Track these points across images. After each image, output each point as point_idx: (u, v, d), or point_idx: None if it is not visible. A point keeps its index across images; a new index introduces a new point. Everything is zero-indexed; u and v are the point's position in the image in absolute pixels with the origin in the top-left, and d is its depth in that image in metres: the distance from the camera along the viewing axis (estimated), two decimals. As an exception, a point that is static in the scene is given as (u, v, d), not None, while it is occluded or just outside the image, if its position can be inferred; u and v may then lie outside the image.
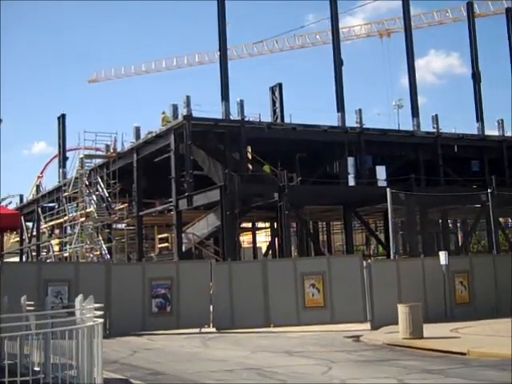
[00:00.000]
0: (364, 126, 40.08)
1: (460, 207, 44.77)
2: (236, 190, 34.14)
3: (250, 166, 38.33)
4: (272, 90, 46.92)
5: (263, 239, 57.32)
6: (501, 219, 46.39)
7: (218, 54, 40.46)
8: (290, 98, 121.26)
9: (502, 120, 45.45)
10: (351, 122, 40.19)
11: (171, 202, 37.35)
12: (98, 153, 45.29)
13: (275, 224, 40.64)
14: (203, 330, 24.96)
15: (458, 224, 60.85)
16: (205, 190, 35.72)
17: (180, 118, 36.68)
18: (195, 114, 36.02)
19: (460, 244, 55.11)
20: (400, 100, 46.91)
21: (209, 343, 21.89)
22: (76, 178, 42.78)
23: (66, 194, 44.05)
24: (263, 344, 21.28)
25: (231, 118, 37.58)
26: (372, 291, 25.22)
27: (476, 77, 46.53)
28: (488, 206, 36.56)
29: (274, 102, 46.59)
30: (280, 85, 46.84)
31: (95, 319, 10.82)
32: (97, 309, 11.23)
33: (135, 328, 24.54)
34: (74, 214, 43.16)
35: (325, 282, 26.35)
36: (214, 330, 25.09)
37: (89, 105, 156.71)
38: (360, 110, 40.36)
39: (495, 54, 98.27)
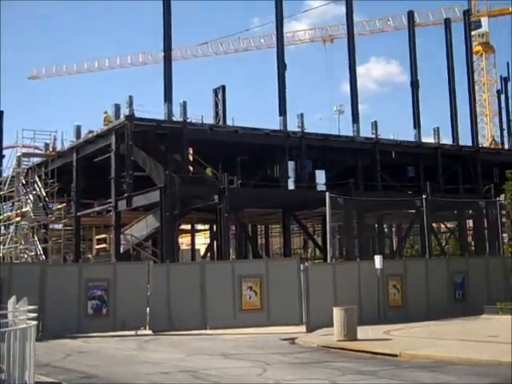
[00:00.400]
0: (305, 131, 40.49)
1: (396, 212, 45.88)
2: (176, 192, 34.04)
3: (191, 168, 38.25)
4: (215, 92, 46.91)
5: (202, 241, 57.25)
6: (434, 224, 47.64)
7: (163, 54, 40.22)
8: (234, 101, 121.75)
9: (438, 128, 46.70)
10: (293, 126, 40.62)
11: (110, 202, 36.96)
12: (37, 151, 44.36)
13: (214, 226, 40.68)
14: (140, 332, 24.84)
15: (394, 229, 62.21)
16: (145, 191, 35.47)
17: (122, 118, 36.32)
18: (138, 115, 35.70)
19: (395, 248, 56.36)
20: (341, 106, 47.76)
21: (145, 345, 21.81)
22: (12, 177, 41.76)
23: (1, 192, 42.95)
24: (199, 346, 21.35)
25: (174, 119, 37.42)
26: (308, 294, 25.61)
27: (414, 85, 47.61)
28: (422, 211, 37.56)
29: (216, 104, 46.58)
30: (223, 87, 46.90)
31: (28, 321, 10.71)
32: (30, 311, 11.11)
33: (70, 330, 24.25)
34: (9, 213, 42.13)
35: (262, 284, 26.61)
36: (150, 332, 25.00)
37: (28, 102, 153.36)
38: (302, 115, 40.78)
39: (434, 62, 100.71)
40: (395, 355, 18.00)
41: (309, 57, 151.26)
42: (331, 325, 21.89)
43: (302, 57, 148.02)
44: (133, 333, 24.47)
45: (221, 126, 41.28)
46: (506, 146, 54.12)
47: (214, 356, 18.88)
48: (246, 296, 26.48)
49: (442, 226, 58.08)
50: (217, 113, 46.29)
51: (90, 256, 40.64)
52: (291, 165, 40.87)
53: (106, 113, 39.08)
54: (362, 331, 21.87)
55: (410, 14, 50.26)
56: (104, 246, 40.06)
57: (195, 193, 36.34)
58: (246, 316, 26.02)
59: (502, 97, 60.53)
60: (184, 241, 59.14)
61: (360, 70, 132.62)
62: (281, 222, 44.31)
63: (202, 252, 50.30)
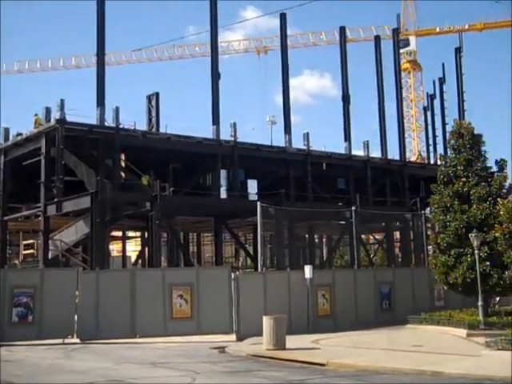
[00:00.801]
0: (238, 140, 40.72)
1: (326, 223, 46.63)
2: (107, 198, 33.64)
3: (123, 174, 37.85)
4: (149, 98, 46.55)
5: (133, 248, 56.63)
6: (363, 236, 48.68)
7: (96, 58, 39.69)
8: (167, 108, 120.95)
9: (368, 141, 47.84)
10: (226, 135, 40.78)
11: (39, 207, 36.13)
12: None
13: (146, 233, 40.35)
14: (67, 340, 24.35)
15: (324, 239, 63.11)
16: (75, 197, 34.87)
17: (53, 121, 35.63)
18: (69, 119, 35.11)
19: (325, 258, 57.24)
20: (273, 116, 48.13)
21: (72, 354, 21.43)
22: None
23: None
24: (128, 355, 21.15)
25: (106, 124, 36.97)
26: (239, 303, 25.77)
27: (345, 98, 48.61)
28: (351, 222, 38.38)
29: (150, 111, 46.23)
30: (157, 94, 46.58)
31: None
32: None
33: (-7, 338, 23.50)
34: None
35: (193, 292, 26.59)
36: (78, 340, 24.53)
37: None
38: (235, 124, 40.99)
39: (364, 78, 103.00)
40: (323, 364, 18.37)
41: (243, 67, 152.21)
42: (261, 334, 22.11)
43: (237, 67, 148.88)
44: (60, 341, 23.97)
45: (153, 132, 41.01)
46: (432, 161, 55.82)
47: (142, 365, 18.76)
48: (176, 304, 26.38)
49: (371, 237, 59.36)
50: (150, 119, 45.95)
51: (16, 262, 39.55)
52: (223, 173, 41.02)
53: (36, 115, 38.22)
54: (291, 340, 22.19)
55: (342, 30, 51.29)
56: (32, 251, 39.06)
57: (127, 199, 35.99)
58: (177, 324, 25.93)
59: (429, 113, 62.36)
60: (115, 248, 58.32)
61: (294, 82, 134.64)
62: (213, 231, 44.31)
63: (133, 259, 49.80)
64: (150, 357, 20.37)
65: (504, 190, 27.29)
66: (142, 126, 41.20)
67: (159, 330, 25.56)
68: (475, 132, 28.37)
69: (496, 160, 28.43)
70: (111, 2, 39.24)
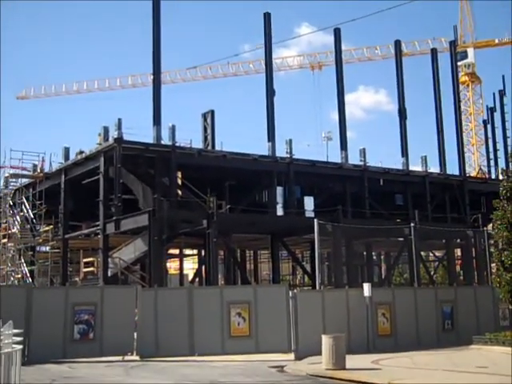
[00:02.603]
0: (294, 157, 40.64)
1: (384, 240, 45.91)
2: (164, 216, 33.95)
3: (180, 192, 38.21)
4: (204, 116, 47.07)
5: (190, 266, 56.97)
6: (422, 253, 47.75)
7: (152, 77, 40.34)
8: (223, 126, 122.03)
9: (426, 156, 47.12)
10: (281, 151, 40.78)
11: (98, 225, 36.75)
12: (24, 172, 44.06)
13: (203, 251, 40.52)
14: (126, 357, 24.48)
15: (382, 256, 62.22)
16: (133, 215, 35.34)
17: (111, 140, 36.30)
18: (126, 137, 35.75)
19: (383, 276, 56.33)
20: (329, 132, 48.03)
21: (131, 372, 21.49)
22: (-1, 198, 41.49)
23: (-13, 213, 42.57)
24: (187, 373, 21.09)
25: (162, 142, 37.45)
26: (297, 321, 25.44)
27: (402, 113, 48.03)
28: (410, 239, 37.63)
29: (205, 129, 46.71)
30: (212, 111, 47.09)
31: (14, 345, 10.52)
32: (16, 334, 10.92)
33: (56, 355, 23.79)
34: (-4, 235, 41.72)
35: (251, 311, 26.36)
36: (137, 357, 24.63)
37: (16, 122, 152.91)
38: (290, 141, 40.97)
39: (421, 91, 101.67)
40: (384, 385, 17.88)
41: (298, 83, 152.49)
42: (320, 353, 21.71)
43: (292, 83, 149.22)
44: (119, 358, 24.11)
45: (209, 150, 41.35)
46: (493, 176, 54.53)
47: (202, 383, 18.65)
48: (234, 322, 26.21)
49: (431, 254, 58.19)
50: (205, 137, 46.39)
51: (77, 279, 40.26)
52: (279, 190, 40.99)
53: (100, 135, 39.03)
54: (351, 360, 21.72)
55: (397, 44, 50.83)
56: (92, 269, 39.71)
57: (183, 217, 36.23)
58: (235, 343, 25.76)
59: (489, 126, 61.16)
60: (172, 265, 58.79)
61: (349, 97, 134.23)
62: (269, 248, 44.19)
63: (191, 277, 50.05)
64: (209, 375, 20.26)
65: None
66: (198, 143, 41.72)
67: (217, 348, 25.44)
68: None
69: (561, 174, 27.44)
70: (166, 20, 39.76)
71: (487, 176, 57.55)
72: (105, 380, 19.63)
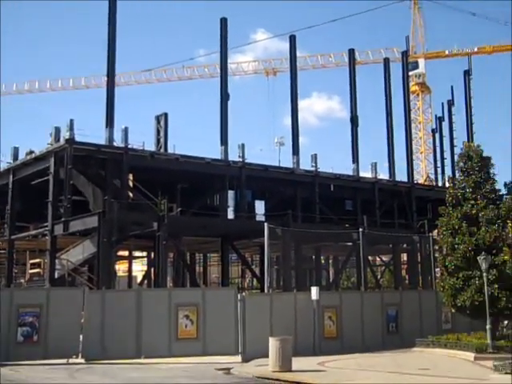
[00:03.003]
0: (246, 161, 40.80)
1: (333, 244, 46.47)
2: (115, 218, 33.69)
3: (131, 194, 37.95)
4: (157, 119, 46.78)
5: (140, 268, 56.60)
6: (370, 257, 48.48)
7: (106, 79, 40.00)
8: (176, 129, 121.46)
9: (376, 163, 47.84)
10: (234, 155, 40.90)
11: (46, 226, 36.20)
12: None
13: (152, 253, 40.32)
14: (71, 360, 24.18)
15: (330, 260, 62.89)
16: (83, 216, 34.96)
17: (62, 141, 35.83)
18: (78, 139, 35.32)
19: (331, 280, 56.96)
20: (282, 138, 48.29)
21: (76, 375, 21.25)
22: None
23: None
24: (133, 376, 21.01)
25: (115, 144, 37.16)
26: (245, 324, 25.60)
27: (354, 120, 48.68)
28: (359, 244, 38.23)
29: (158, 131, 46.43)
30: (166, 114, 46.82)
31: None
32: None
33: (-2, 357, 23.39)
34: None
35: (199, 313, 26.42)
36: (83, 360, 24.38)
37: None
38: (243, 145, 41.10)
39: (373, 100, 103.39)
40: (328, 386, 18.17)
41: (253, 88, 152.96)
42: (267, 355, 21.94)
43: (247, 88, 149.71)
44: (64, 361, 23.82)
45: (162, 153, 41.14)
46: (440, 183, 55.74)
47: (147, 386, 18.62)
48: (182, 324, 26.22)
49: (378, 259, 59.09)
50: (158, 140, 46.09)
51: (22, 281, 39.54)
52: (231, 194, 41.12)
53: (51, 135, 38.42)
54: (297, 362, 22.00)
55: (351, 52, 51.56)
56: (38, 270, 39.05)
57: (134, 219, 36.03)
58: (182, 345, 25.76)
59: (437, 135, 62.46)
60: (121, 267, 58.28)
61: (302, 104, 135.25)
62: (219, 251, 44.24)
63: (139, 279, 49.72)
64: (155, 378, 20.23)
65: (513, 213, 27.08)
66: (151, 146, 41.41)
67: (164, 350, 25.40)
68: (484, 154, 28.30)
69: (505, 182, 28.39)
70: (122, 22, 39.38)
71: (434, 183, 58.79)
72: (49, 383, 19.38)
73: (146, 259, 51.03)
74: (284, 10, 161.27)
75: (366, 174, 48.44)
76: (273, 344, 21.75)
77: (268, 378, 20.36)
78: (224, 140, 41.04)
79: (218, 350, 25.56)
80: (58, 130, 37.31)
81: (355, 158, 47.29)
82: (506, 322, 28.67)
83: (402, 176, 50.49)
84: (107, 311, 25.57)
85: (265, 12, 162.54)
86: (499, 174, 28.55)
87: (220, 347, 25.70)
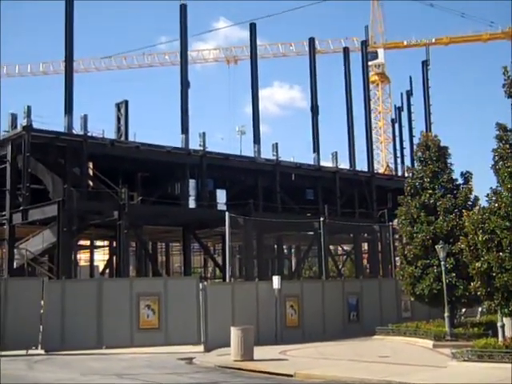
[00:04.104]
0: (207, 150, 40.62)
1: (295, 234, 46.72)
2: (74, 206, 33.25)
3: (91, 183, 37.49)
4: (118, 106, 46.17)
5: (101, 258, 56.04)
6: (331, 247, 48.88)
7: (64, 64, 39.30)
8: (137, 117, 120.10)
9: (336, 152, 48.06)
10: (195, 144, 40.67)
11: (4, 215, 35.52)
12: None
13: (114, 243, 39.95)
14: (31, 351, 23.88)
15: (293, 250, 63.22)
16: (42, 205, 34.39)
17: (19, 128, 35.14)
18: (36, 126, 34.67)
19: (293, 269, 57.30)
20: (243, 126, 48.19)
21: (35, 366, 21.01)
22: None
23: None
24: (94, 366, 20.85)
25: (74, 132, 36.59)
26: (207, 313, 25.64)
27: (314, 109, 48.80)
28: (320, 233, 38.50)
29: (119, 119, 45.85)
30: (126, 102, 46.21)
31: None
32: None
33: (-45, 349, 22.96)
34: None
35: (160, 303, 26.37)
36: (42, 351, 24.10)
37: None
38: (204, 134, 40.84)
39: (334, 89, 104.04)
40: (290, 375, 18.33)
41: (215, 77, 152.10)
42: (229, 344, 22.03)
43: (208, 76, 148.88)
44: (23, 352, 23.50)
45: (122, 141, 40.63)
46: (399, 173, 56.39)
47: (108, 376, 18.51)
48: (143, 314, 26.14)
49: (340, 248, 59.61)
50: (119, 128, 45.53)
51: (-21, 271, 38.83)
52: (192, 183, 40.90)
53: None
54: (259, 351, 22.12)
55: (311, 41, 51.58)
56: (-5, 260, 38.40)
57: (94, 208, 35.61)
58: (144, 335, 25.69)
59: (396, 125, 63.05)
60: (82, 257, 57.61)
61: (264, 93, 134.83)
62: (181, 240, 44.07)
63: (101, 269, 49.26)
64: (116, 368, 20.11)
65: (469, 202, 27.58)
66: (111, 134, 40.90)
67: (126, 340, 25.29)
68: (441, 144, 28.70)
69: (462, 172, 28.75)
70: (81, 7, 38.85)
71: (394, 173, 59.46)
72: (7, 374, 19.10)
73: (107, 248, 50.56)
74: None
75: (327, 163, 48.70)
76: (234, 333, 21.82)
77: (230, 368, 20.45)
78: (185, 128, 40.76)
79: (181, 339, 25.56)
80: (14, 117, 36.59)
81: (316, 148, 47.42)
82: (463, 310, 29.28)
83: (362, 165, 50.97)
84: (67, 301, 25.33)
85: (226, 0, 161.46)
86: (456, 164, 29.03)
87: (182, 337, 25.71)
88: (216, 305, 26.04)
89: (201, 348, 24.93)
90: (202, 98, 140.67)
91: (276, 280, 28.20)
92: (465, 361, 18.41)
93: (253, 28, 47.20)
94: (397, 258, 36.82)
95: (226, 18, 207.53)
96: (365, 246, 52.98)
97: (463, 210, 26.04)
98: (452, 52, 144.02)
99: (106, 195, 36.07)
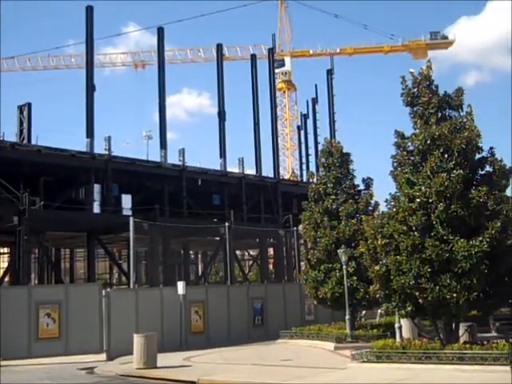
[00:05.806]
0: (113, 154, 39.95)
1: (201, 239, 46.61)
2: (-30, 212, 31.90)
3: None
4: (20, 109, 44.79)
5: (1, 265, 53.82)
6: (238, 252, 49.10)
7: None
8: (41, 120, 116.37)
9: (243, 158, 48.39)
10: (101, 148, 39.91)
11: None
12: None
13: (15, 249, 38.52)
14: None
15: (200, 255, 63.06)
16: None
17: None
18: None
19: (200, 274, 57.15)
20: (150, 131, 47.67)
21: None
22: None
23: None
24: (-13, 379, 19.97)
25: (-29, 134, 35.15)
26: (110, 321, 25.18)
27: (221, 115, 48.96)
28: (226, 238, 38.61)
29: (21, 122, 44.47)
30: (29, 104, 44.92)
31: None
32: None
33: None
34: None
35: (61, 311, 25.65)
36: None
37: None
38: (109, 138, 40.13)
39: (241, 95, 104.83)
40: (193, 382, 18.26)
41: (123, 81, 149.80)
42: (133, 352, 21.66)
43: (117, 81, 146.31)
44: None
45: (23, 144, 39.41)
46: (305, 179, 57.39)
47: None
48: (43, 323, 25.31)
49: (246, 253, 59.95)
50: (21, 131, 44.19)
51: None
52: (97, 188, 40.08)
53: None
54: (163, 358, 21.92)
55: (219, 47, 51.78)
56: None
57: (-8, 214, 34.26)
58: (43, 345, 24.87)
59: (302, 132, 64.26)
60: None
61: (173, 99, 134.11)
62: (85, 246, 43.05)
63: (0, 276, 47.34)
64: (10, 381, 19.33)
65: (370, 207, 28.42)
66: (12, 137, 39.53)
67: (23, 351, 24.41)
68: (344, 151, 29.43)
69: (363, 178, 29.57)
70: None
71: (299, 179, 60.47)
72: None
73: (8, 256, 48.67)
74: (154, 5, 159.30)
75: (234, 169, 48.96)
76: (137, 341, 21.51)
77: (132, 376, 20.15)
78: (90, 132, 39.95)
79: (82, 348, 24.98)
80: None
81: (223, 153, 47.58)
82: (363, 312, 30.11)
83: (268, 171, 51.54)
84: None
85: (135, 6, 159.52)
86: (359, 170, 29.85)
87: (84, 346, 25.12)
88: (119, 312, 25.61)
89: (103, 356, 24.44)
90: (110, 102, 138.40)
91: (180, 285, 28.06)
92: (364, 362, 18.89)
93: (160, 32, 46.90)
94: (302, 263, 37.45)
95: (136, 23, 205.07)
96: (271, 250, 53.57)
97: (363, 215, 26.87)
98: (356, 62, 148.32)
99: (6, 200, 34.77)
